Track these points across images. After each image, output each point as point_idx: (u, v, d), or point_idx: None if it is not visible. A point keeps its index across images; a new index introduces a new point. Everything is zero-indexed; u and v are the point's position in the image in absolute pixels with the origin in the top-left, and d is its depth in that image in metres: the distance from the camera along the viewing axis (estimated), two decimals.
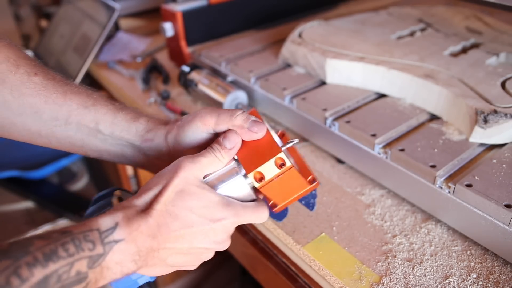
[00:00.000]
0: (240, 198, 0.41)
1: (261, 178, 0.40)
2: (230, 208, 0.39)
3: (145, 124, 0.45)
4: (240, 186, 0.40)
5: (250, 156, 0.41)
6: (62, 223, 1.14)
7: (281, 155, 0.39)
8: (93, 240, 0.33)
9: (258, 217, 0.41)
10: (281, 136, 0.46)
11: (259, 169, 0.39)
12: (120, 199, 0.43)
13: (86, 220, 0.35)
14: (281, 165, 0.39)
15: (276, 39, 0.85)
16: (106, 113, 0.44)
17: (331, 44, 0.69)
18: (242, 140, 0.42)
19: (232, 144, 0.40)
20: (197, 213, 0.38)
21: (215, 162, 0.40)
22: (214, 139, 0.42)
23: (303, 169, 0.44)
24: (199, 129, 0.43)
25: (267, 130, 0.42)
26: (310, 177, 0.42)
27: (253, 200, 0.42)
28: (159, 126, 0.45)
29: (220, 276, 1.44)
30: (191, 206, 0.37)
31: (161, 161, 0.45)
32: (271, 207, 0.42)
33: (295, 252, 0.49)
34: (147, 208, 0.37)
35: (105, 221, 0.35)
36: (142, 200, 0.37)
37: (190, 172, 0.38)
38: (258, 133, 0.41)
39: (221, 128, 0.42)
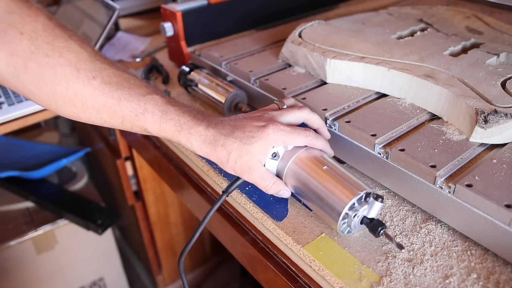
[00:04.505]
0: None
1: None
2: None
3: (185, 143, 0.49)
4: None
5: None
6: (62, 223, 1.14)
7: None
8: None
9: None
10: None
11: None
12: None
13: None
14: None
15: (276, 39, 0.85)
16: (153, 122, 0.48)
17: (331, 44, 0.69)
18: None
19: None
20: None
21: None
22: None
23: None
24: None
25: None
26: None
27: None
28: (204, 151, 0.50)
29: (220, 276, 1.44)
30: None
31: None
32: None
33: (295, 252, 0.49)
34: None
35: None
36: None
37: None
38: None
39: None
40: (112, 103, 0.47)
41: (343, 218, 0.46)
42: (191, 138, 0.49)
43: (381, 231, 0.45)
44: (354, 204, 0.46)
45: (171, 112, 0.49)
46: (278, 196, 0.53)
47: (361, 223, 0.47)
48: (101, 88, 0.47)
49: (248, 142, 0.48)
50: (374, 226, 0.45)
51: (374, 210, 0.46)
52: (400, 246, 0.45)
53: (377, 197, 0.46)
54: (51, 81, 0.46)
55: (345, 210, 0.45)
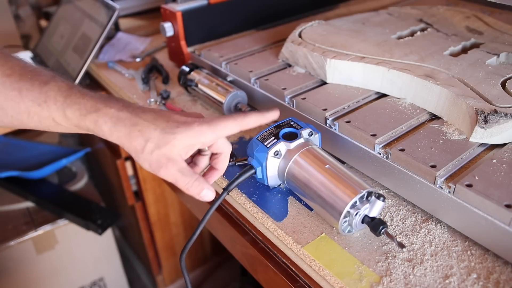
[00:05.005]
0: None
1: None
2: None
3: (93, 128, 0.44)
4: None
5: None
6: (62, 223, 1.14)
7: None
8: None
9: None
10: None
11: None
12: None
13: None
14: None
15: (276, 39, 0.85)
16: (56, 110, 0.43)
17: (331, 44, 0.69)
18: None
19: None
20: None
21: None
22: None
23: None
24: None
25: None
26: None
27: None
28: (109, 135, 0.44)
29: (220, 276, 1.44)
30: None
31: None
32: None
33: (295, 252, 0.49)
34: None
35: None
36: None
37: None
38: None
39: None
40: (13, 95, 0.44)
41: (345, 216, 0.46)
42: (99, 121, 0.42)
43: (382, 230, 0.45)
44: (356, 202, 0.46)
45: (74, 96, 0.43)
46: (200, 199, 0.46)
47: (362, 222, 0.47)
48: (2, 82, 0.44)
49: (170, 131, 0.42)
50: (376, 225, 0.45)
51: (375, 209, 0.46)
52: (401, 245, 0.45)
53: (379, 196, 0.46)
54: None
55: (347, 208, 0.46)
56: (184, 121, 0.43)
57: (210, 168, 0.50)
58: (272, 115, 0.48)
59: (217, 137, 0.45)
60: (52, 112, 0.44)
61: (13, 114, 0.45)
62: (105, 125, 0.42)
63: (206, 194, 0.45)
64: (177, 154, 0.43)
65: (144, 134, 0.42)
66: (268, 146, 0.52)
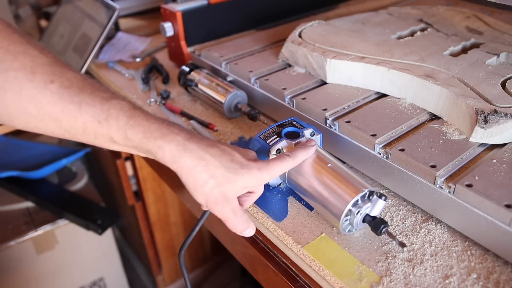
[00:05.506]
0: None
1: None
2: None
3: (156, 151, 0.43)
4: None
5: None
6: (62, 223, 1.14)
7: None
8: None
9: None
10: None
11: None
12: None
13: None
14: None
15: (276, 39, 0.85)
16: (117, 129, 0.43)
17: (331, 44, 0.69)
18: None
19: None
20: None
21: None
22: None
23: None
24: None
25: None
26: None
27: None
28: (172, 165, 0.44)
29: (220, 276, 1.44)
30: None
31: None
32: None
33: (295, 252, 0.49)
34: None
35: None
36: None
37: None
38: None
39: None
40: (71, 109, 0.42)
41: (346, 215, 0.47)
42: (164, 147, 0.43)
43: (383, 229, 0.45)
44: (357, 201, 0.46)
45: (138, 117, 0.43)
46: (241, 234, 0.49)
47: (364, 221, 0.47)
48: (60, 93, 0.42)
49: (234, 172, 0.44)
50: (377, 224, 0.46)
51: (377, 208, 0.46)
52: (402, 244, 0.45)
53: (381, 195, 0.46)
54: (2, 88, 0.41)
55: (349, 206, 0.46)
56: (247, 165, 0.45)
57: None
58: (313, 148, 0.51)
59: (271, 179, 0.47)
60: (112, 131, 0.43)
61: (67, 127, 0.43)
62: (170, 152, 0.43)
63: (249, 232, 0.48)
64: (234, 193, 0.45)
65: (209, 170, 0.43)
66: (270, 144, 0.52)
